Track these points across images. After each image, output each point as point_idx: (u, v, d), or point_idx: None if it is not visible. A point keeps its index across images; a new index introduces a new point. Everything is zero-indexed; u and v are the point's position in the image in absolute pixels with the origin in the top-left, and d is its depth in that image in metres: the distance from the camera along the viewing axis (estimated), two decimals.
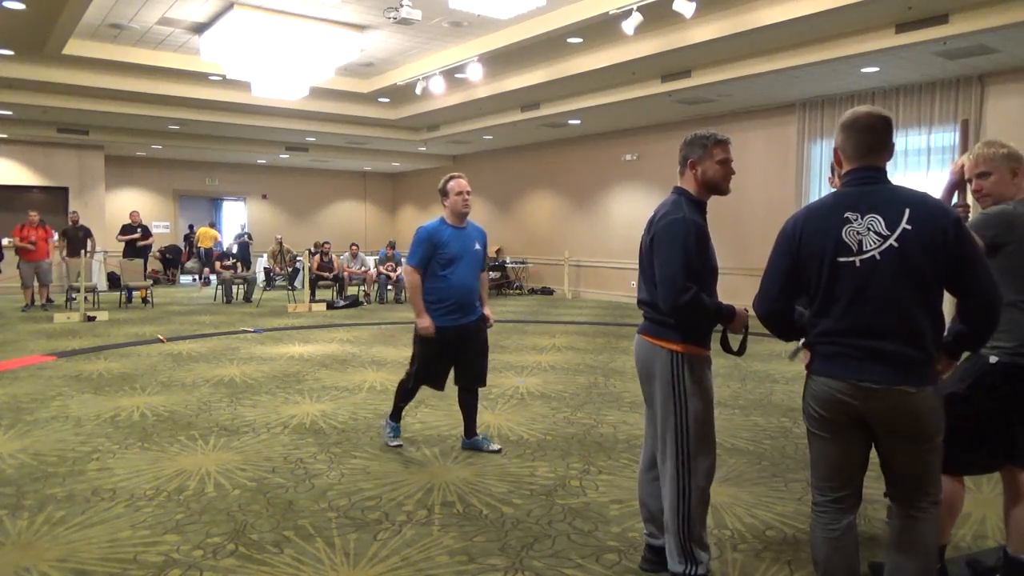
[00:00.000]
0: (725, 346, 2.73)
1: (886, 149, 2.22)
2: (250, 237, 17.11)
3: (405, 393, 4.49)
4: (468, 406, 4.45)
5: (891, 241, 2.08)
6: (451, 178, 4.32)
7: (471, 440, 4.48)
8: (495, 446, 4.45)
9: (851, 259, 2.11)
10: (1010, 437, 2.62)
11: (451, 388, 6.18)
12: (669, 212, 2.64)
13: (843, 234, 2.13)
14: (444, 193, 4.33)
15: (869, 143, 2.20)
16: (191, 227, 19.64)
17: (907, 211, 2.09)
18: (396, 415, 4.58)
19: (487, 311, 4.41)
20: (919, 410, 2.10)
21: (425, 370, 4.34)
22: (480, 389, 4.46)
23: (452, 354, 4.29)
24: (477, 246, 4.32)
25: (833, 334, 2.15)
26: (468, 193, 4.30)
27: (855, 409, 2.13)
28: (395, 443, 4.51)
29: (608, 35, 8.72)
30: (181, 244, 19.01)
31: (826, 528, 2.23)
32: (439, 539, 3.18)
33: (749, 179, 11.10)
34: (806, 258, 2.18)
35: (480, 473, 4.05)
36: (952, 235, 2.06)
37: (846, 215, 2.14)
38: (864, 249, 2.10)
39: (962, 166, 2.76)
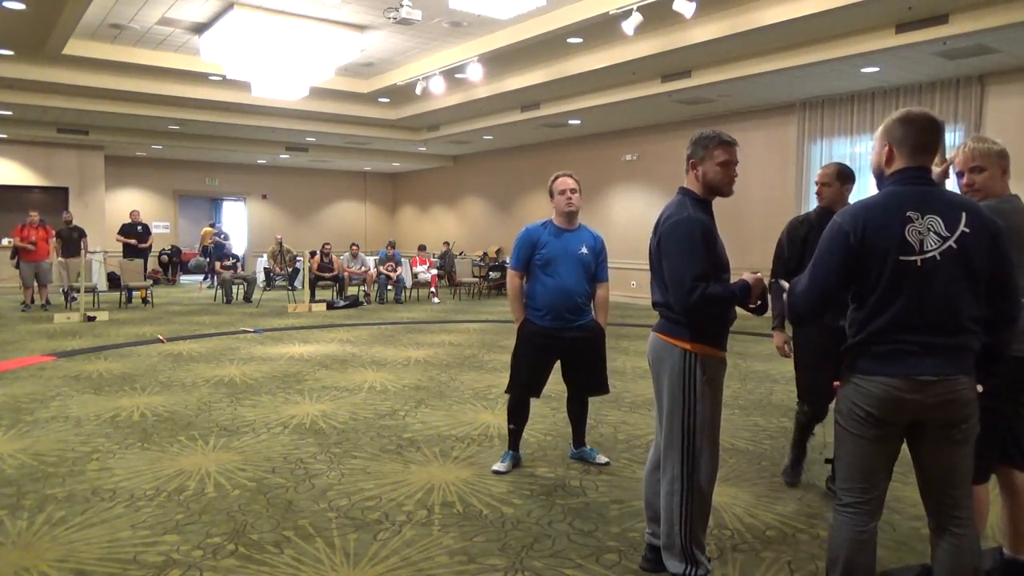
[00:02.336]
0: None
1: (938, 151, 2.25)
2: (225, 237, 17.16)
3: (511, 408, 4.15)
4: (573, 415, 4.26)
5: (951, 243, 2.11)
6: (556, 177, 4.04)
7: (578, 451, 4.29)
8: (602, 459, 4.22)
9: (913, 258, 2.12)
10: (1002, 437, 2.63)
11: (450, 390, 6.17)
12: (674, 213, 2.64)
13: (906, 233, 2.12)
14: (550, 193, 4.06)
15: (928, 143, 2.20)
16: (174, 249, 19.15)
17: (964, 215, 2.13)
18: (511, 442, 4.17)
19: (599, 319, 4.09)
20: (967, 398, 2.15)
21: (519, 371, 4.05)
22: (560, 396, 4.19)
23: (550, 359, 4.04)
24: (583, 250, 3.98)
25: (889, 331, 2.15)
26: (573, 191, 3.98)
27: (909, 404, 2.13)
28: (500, 467, 4.08)
29: (608, 35, 8.72)
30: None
31: (854, 529, 2.23)
32: (439, 539, 3.18)
33: (749, 179, 11.09)
34: (867, 255, 2.15)
35: (480, 473, 4.05)
36: (1001, 243, 2.17)
37: (908, 214, 2.14)
38: (925, 249, 2.12)
39: (945, 166, 2.77)
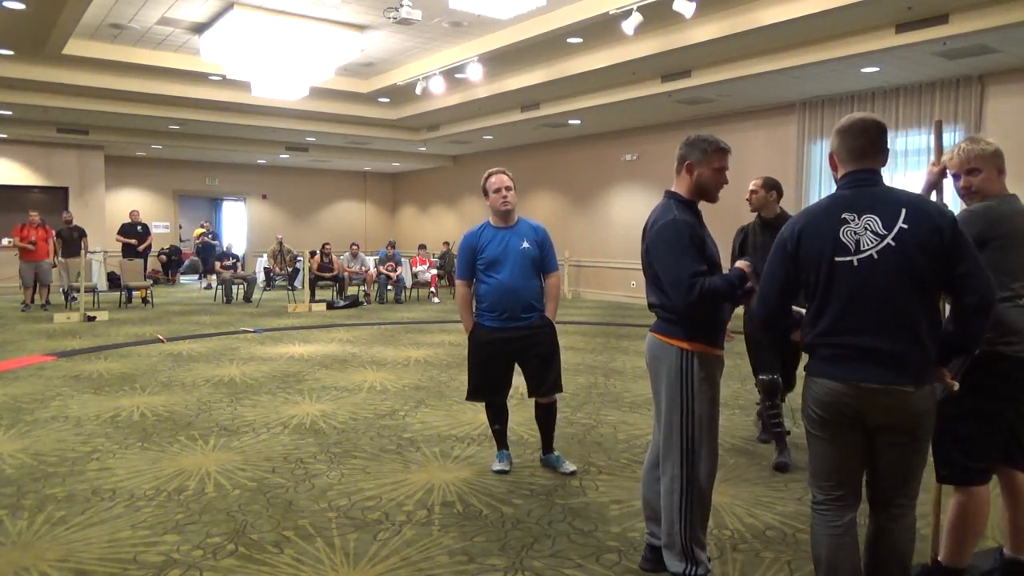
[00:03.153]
0: None
1: (881, 152, 2.26)
2: (215, 237, 16.85)
3: (487, 411, 4.14)
4: (539, 420, 4.15)
5: (888, 240, 2.10)
6: (489, 175, 4.00)
7: (545, 457, 4.18)
8: (570, 467, 4.06)
9: (849, 259, 2.13)
10: (1004, 438, 2.62)
11: (450, 390, 6.17)
12: (660, 217, 2.66)
13: (841, 234, 2.15)
14: (484, 192, 4.01)
15: (863, 146, 2.23)
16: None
17: (903, 211, 2.12)
18: (499, 442, 4.17)
19: (549, 310, 3.97)
20: (918, 409, 2.14)
21: (473, 375, 4.05)
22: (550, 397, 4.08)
23: (504, 359, 3.97)
24: (524, 245, 3.90)
25: (832, 334, 2.17)
26: (508, 189, 3.92)
27: (855, 410, 2.15)
28: (497, 468, 4.09)
29: (608, 35, 8.72)
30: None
31: (829, 525, 2.24)
32: (439, 539, 3.18)
33: (749, 179, 11.06)
34: (804, 259, 2.20)
35: (480, 473, 4.05)
36: (949, 234, 2.11)
37: (843, 216, 2.16)
38: (862, 248, 2.12)
39: (942, 167, 2.78)
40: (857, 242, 2.13)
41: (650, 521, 2.89)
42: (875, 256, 2.11)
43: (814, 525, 2.29)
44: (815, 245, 2.18)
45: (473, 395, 4.11)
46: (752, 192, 4.48)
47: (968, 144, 2.67)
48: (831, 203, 2.23)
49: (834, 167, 2.31)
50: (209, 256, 16.23)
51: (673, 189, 2.76)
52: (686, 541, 2.63)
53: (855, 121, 2.26)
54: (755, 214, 4.55)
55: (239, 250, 18.36)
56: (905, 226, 2.10)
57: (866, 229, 2.13)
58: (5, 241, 13.64)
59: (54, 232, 12.15)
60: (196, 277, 17.95)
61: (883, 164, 2.26)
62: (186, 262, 19.06)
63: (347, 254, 14.08)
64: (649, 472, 2.88)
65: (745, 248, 4.50)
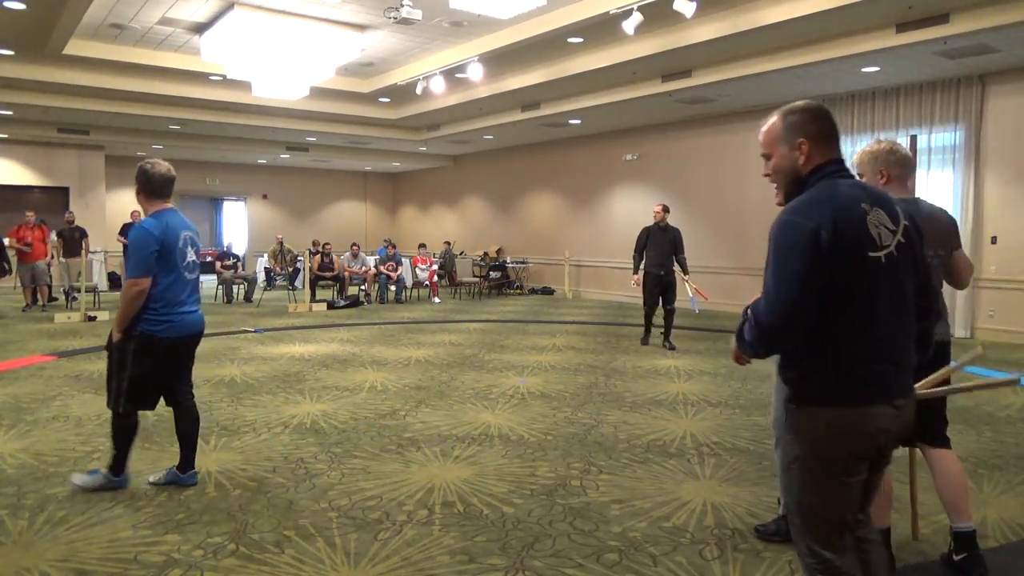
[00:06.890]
0: None
1: None
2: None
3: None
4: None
5: (899, 236, 1.89)
6: None
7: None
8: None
9: (878, 254, 1.84)
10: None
11: (451, 390, 6.17)
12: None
13: (868, 225, 1.84)
14: None
15: (836, 132, 1.98)
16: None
17: (899, 208, 1.94)
18: (112, 471, 3.72)
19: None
20: (911, 418, 1.97)
21: None
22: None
23: None
24: None
25: (867, 346, 1.84)
26: None
27: (888, 433, 1.88)
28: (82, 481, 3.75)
29: (608, 35, 8.72)
30: None
31: None
32: (440, 539, 3.18)
33: (749, 179, 11.09)
34: (840, 254, 1.80)
35: (481, 473, 4.05)
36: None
37: (862, 205, 1.86)
38: (884, 244, 1.85)
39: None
40: (879, 236, 1.85)
41: None
42: (894, 253, 1.86)
43: None
44: (850, 236, 1.81)
45: None
46: (658, 212, 8.01)
47: (891, 148, 2.80)
48: (848, 189, 1.89)
49: (810, 157, 1.93)
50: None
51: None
52: None
53: (817, 104, 1.99)
54: (655, 221, 8.05)
55: (239, 250, 18.35)
56: (907, 223, 1.93)
57: (880, 223, 1.86)
58: (6, 241, 13.64)
59: (53, 232, 12.12)
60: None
61: None
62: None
63: (348, 254, 14.09)
64: None
65: (647, 243, 8.04)
